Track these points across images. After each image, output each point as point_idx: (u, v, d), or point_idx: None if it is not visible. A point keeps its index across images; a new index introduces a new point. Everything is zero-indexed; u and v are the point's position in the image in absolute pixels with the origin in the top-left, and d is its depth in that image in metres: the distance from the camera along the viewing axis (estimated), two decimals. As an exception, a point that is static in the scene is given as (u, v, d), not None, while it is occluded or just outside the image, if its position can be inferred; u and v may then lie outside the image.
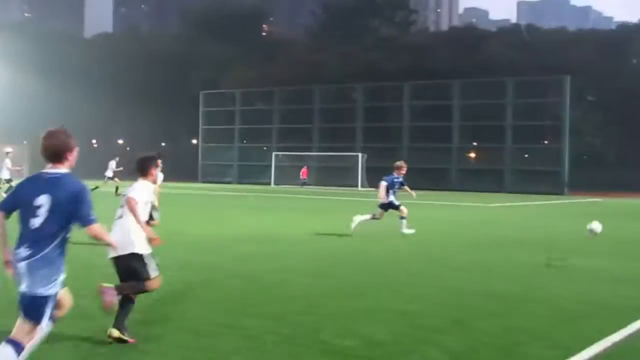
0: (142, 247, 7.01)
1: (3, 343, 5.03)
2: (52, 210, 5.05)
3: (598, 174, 77.87)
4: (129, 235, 6.93)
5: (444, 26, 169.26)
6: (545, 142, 68.37)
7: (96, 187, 37.23)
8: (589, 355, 6.78)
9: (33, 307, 5.04)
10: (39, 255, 5.00)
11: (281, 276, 11.27)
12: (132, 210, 6.96)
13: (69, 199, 5.10)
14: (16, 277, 5.09)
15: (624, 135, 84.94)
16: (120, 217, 7.12)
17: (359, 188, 61.73)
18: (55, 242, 5.07)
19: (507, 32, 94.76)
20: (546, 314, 8.74)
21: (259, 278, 11.04)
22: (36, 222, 5.05)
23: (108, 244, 5.82)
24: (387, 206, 18.50)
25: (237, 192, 39.98)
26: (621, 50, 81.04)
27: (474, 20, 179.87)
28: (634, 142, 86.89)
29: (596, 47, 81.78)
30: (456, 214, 30.41)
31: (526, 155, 65.84)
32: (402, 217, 18.42)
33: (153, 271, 7.03)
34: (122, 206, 7.16)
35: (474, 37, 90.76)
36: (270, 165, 68.79)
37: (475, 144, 70.86)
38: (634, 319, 8.43)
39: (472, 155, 71.58)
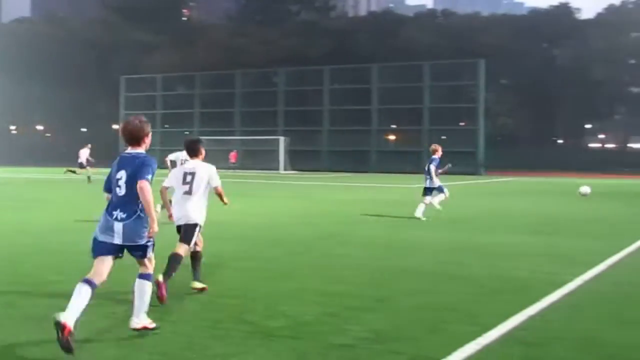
0: (201, 220, 8.58)
1: (137, 279, 6.48)
2: (127, 182, 6.24)
3: (512, 154, 79.76)
4: (194, 210, 8.47)
5: (363, 11, 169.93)
6: (462, 123, 69.52)
7: (73, 171, 36.59)
8: (506, 328, 6.94)
9: (138, 251, 6.39)
10: (131, 219, 6.23)
11: (207, 260, 11.18)
12: (219, 194, 8.93)
13: (137, 168, 6.24)
14: (109, 230, 6.26)
15: (536, 117, 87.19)
16: (188, 192, 8.52)
17: (281, 171, 61.74)
18: (140, 206, 6.25)
19: (423, 17, 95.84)
20: (467, 291, 8.89)
21: (184, 262, 10.92)
22: (118, 191, 6.29)
23: (148, 206, 6.32)
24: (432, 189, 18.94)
25: (159, 177, 39.45)
26: (532, 35, 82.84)
27: (391, 5, 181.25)
28: (545, 123, 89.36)
29: (509, 31, 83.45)
30: (377, 194, 30.68)
31: (443, 137, 66.79)
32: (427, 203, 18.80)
33: (198, 241, 8.73)
34: (187, 183, 8.53)
35: (392, 21, 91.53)
36: (193, 150, 68.04)
37: (394, 126, 71.57)
38: (548, 293, 8.67)
39: (391, 137, 72.30)
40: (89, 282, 6.12)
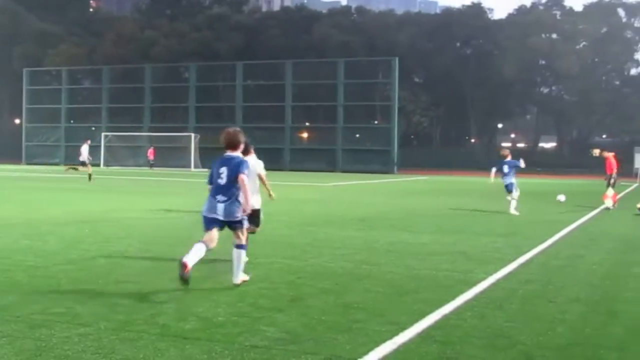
0: (259, 204, 11.07)
1: (234, 248, 8.94)
2: (228, 175, 8.69)
3: (424, 153, 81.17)
4: (253, 197, 10.08)
5: (276, 6, 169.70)
6: (376, 122, 70.29)
7: (75, 168, 35.95)
8: (422, 327, 7.04)
9: (236, 225, 8.84)
10: (230, 200, 8.70)
11: (114, 260, 11.00)
12: (264, 181, 11.38)
13: (236, 166, 8.68)
14: (216, 210, 8.71)
15: (449, 116, 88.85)
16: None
17: (192, 169, 61.19)
18: (235, 192, 8.70)
19: (337, 14, 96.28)
20: (382, 290, 8.98)
21: (91, 263, 10.72)
22: (220, 181, 8.74)
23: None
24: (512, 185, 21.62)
25: (64, 175, 38.60)
26: (446, 34, 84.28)
27: (305, 1, 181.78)
28: (458, 122, 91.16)
29: (422, 30, 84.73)
30: (290, 193, 30.71)
31: (357, 135, 67.40)
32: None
33: (260, 222, 11.34)
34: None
35: (306, 18, 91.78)
36: (100, 146, 66.80)
37: (307, 124, 71.82)
38: (462, 292, 8.84)
39: (305, 135, 72.50)
40: (203, 242, 8.65)
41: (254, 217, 10.54)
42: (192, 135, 64.68)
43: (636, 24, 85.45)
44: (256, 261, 11.14)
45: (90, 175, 36.06)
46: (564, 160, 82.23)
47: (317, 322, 7.23)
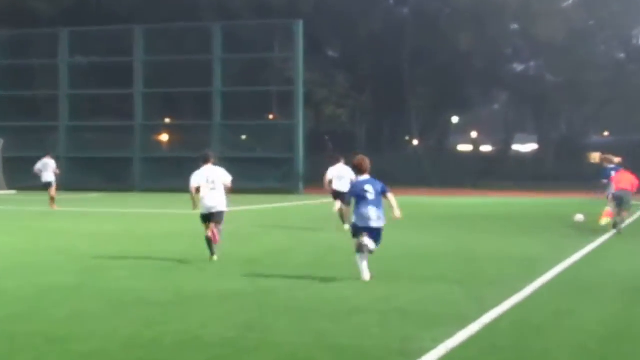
0: (224, 207, 19.15)
1: (366, 237, 15.42)
2: (375, 193, 15.97)
3: (345, 161, 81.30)
4: (222, 200, 18.90)
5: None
6: (271, 116, 70.32)
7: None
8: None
9: (379, 233, 15.97)
10: (381, 211, 15.99)
11: None
12: (228, 187, 19.47)
13: (381, 186, 16.19)
14: (370, 220, 15.72)
15: (377, 106, 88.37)
16: (214, 189, 18.58)
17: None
18: (382, 204, 16.11)
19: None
20: None
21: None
22: (369, 196, 15.86)
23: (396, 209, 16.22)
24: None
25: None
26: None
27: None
28: (390, 115, 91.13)
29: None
30: (137, 226, 30.52)
31: (243, 137, 67.46)
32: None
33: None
34: (212, 181, 18.63)
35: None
36: None
37: (168, 120, 71.15)
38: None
39: (165, 137, 71.81)
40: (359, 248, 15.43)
41: (220, 217, 18.78)
42: (-8, 139, 63.45)
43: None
44: (92, 330, 10.97)
45: (53, 199, 38.37)
46: (548, 169, 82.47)
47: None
